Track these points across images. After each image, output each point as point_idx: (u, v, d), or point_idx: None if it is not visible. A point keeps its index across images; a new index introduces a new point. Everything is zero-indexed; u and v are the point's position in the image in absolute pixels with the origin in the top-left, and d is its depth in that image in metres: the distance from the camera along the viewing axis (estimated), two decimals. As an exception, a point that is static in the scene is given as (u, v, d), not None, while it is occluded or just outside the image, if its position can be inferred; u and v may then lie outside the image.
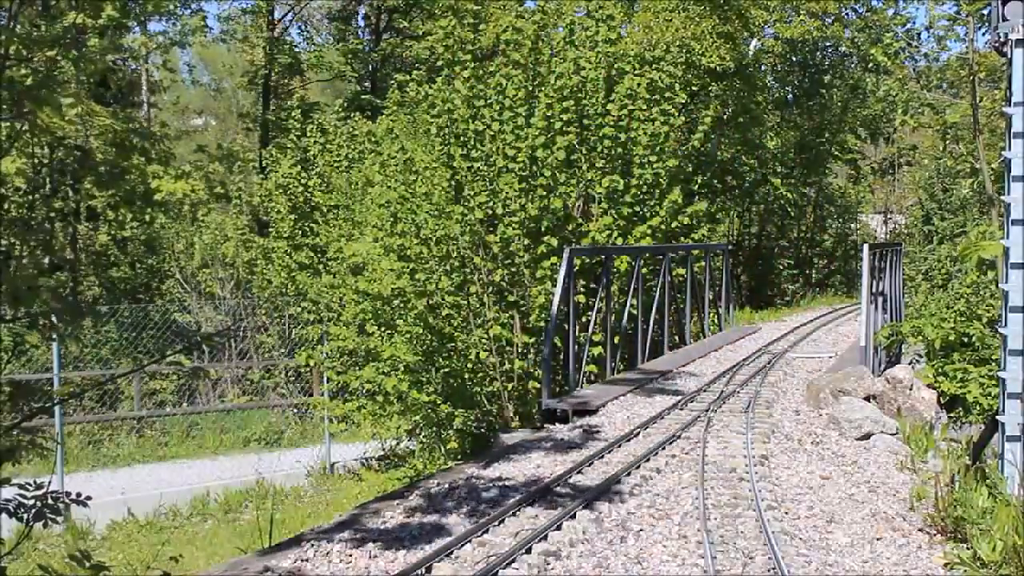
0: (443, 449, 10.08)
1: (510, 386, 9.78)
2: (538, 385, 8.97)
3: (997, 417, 5.50)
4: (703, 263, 12.80)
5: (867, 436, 6.30)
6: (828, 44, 24.12)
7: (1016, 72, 5.28)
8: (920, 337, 9.01)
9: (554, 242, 9.65)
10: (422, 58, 21.43)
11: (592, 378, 9.39)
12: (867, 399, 7.02)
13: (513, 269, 9.73)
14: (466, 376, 9.76)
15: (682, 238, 12.06)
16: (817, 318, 14.63)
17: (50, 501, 3.97)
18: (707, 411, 6.79)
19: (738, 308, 18.38)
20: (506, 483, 5.37)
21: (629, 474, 5.01)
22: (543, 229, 9.76)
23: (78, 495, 4.17)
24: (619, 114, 10.80)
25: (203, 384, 13.69)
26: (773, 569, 3.51)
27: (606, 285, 9.29)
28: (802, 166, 23.83)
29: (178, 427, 13.32)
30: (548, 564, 3.90)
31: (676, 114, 11.97)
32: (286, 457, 12.22)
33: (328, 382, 12.18)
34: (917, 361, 9.62)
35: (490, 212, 9.74)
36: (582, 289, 9.58)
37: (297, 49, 24.65)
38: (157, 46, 17.60)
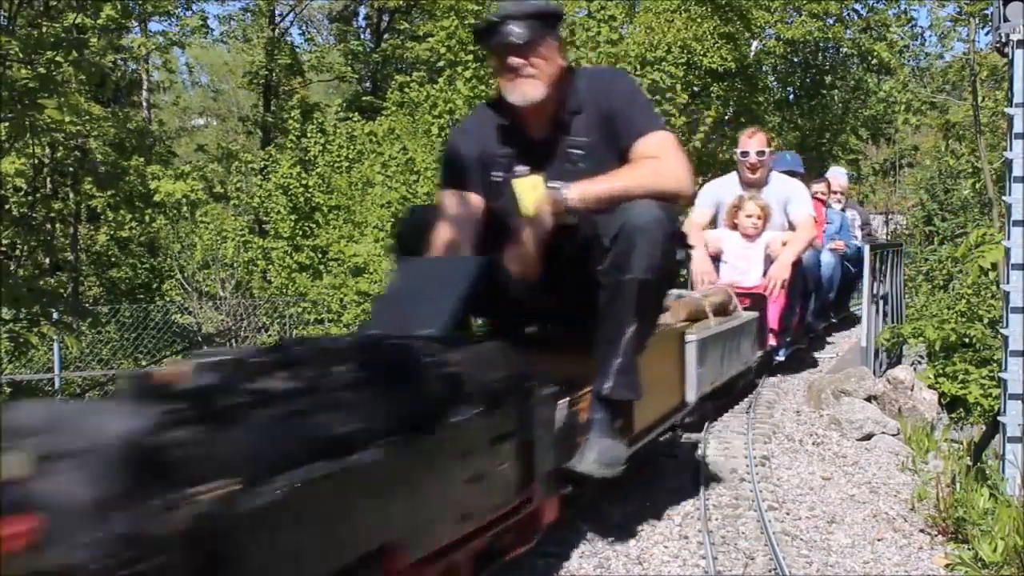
0: (444, 450, 10.09)
1: (511, 387, 9.76)
2: (539, 386, 8.94)
3: (998, 418, 5.50)
4: (704, 264, 12.76)
5: (868, 437, 6.29)
6: (829, 45, 24.13)
7: (1017, 73, 5.28)
8: (921, 338, 9.00)
9: (555, 243, 9.66)
10: (423, 59, 21.44)
11: (593, 379, 9.37)
12: (868, 400, 7.02)
13: (514, 269, 9.73)
14: (467, 377, 9.76)
15: (683, 238, 12.07)
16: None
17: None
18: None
19: (739, 309, 18.36)
20: (506, 484, 5.36)
21: (630, 474, 5.01)
22: (544, 229, 9.77)
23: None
24: (620, 114, 10.80)
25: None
26: (774, 569, 3.50)
27: (607, 286, 9.29)
28: (804, 166, 23.84)
29: (179, 427, 13.34)
30: (549, 564, 3.90)
31: (677, 114, 11.97)
32: (287, 457, 12.24)
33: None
34: (918, 362, 9.62)
35: (491, 213, 9.75)
36: (583, 290, 9.58)
37: (298, 50, 24.67)
38: (156, 47, 17.63)
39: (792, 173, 7.36)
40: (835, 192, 9.48)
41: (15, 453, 1.16)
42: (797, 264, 6.21)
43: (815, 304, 7.36)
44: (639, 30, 16.15)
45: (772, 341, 6.25)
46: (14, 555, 1.08)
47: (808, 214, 6.42)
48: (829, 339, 9.50)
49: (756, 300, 5.81)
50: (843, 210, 9.53)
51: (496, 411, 2.17)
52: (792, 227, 6.37)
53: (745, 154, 6.47)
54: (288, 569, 1.42)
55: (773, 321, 6.18)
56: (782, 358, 6.63)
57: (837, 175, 10.05)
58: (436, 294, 2.54)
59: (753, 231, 6.24)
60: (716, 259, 6.28)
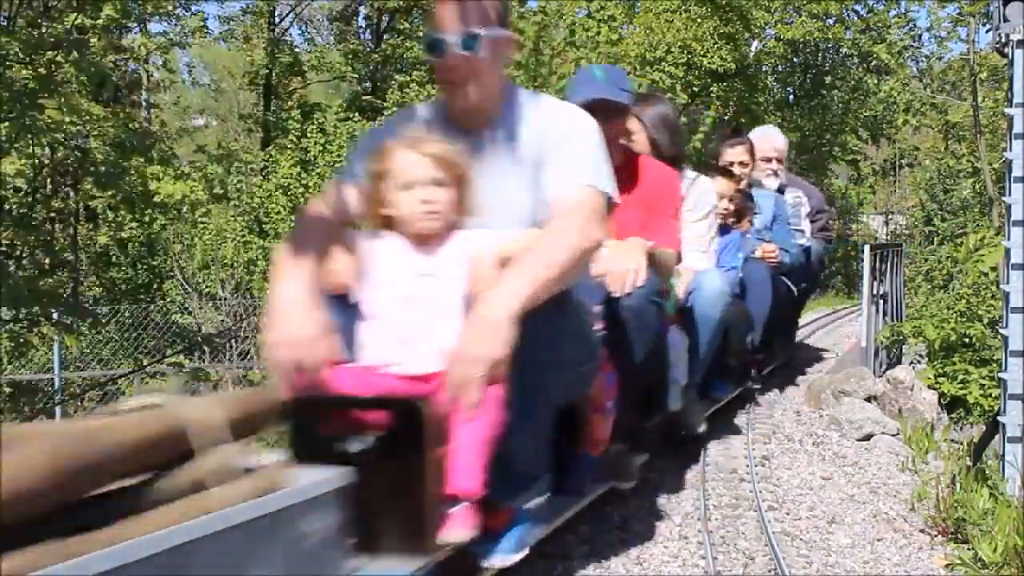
0: (444, 450, 10.08)
1: (511, 387, 9.74)
2: (539, 386, 8.85)
3: (998, 418, 5.50)
4: (704, 264, 12.71)
5: (868, 437, 6.30)
6: (829, 45, 24.17)
7: (1017, 73, 5.28)
8: (921, 338, 9.01)
9: (555, 243, 9.65)
10: (423, 59, 21.43)
11: (593, 379, 9.31)
12: (868, 400, 7.02)
13: (514, 270, 9.73)
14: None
15: (683, 239, 12.06)
16: (818, 319, 14.63)
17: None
18: (708, 411, 6.78)
19: (739, 309, 18.37)
20: (506, 484, 5.34)
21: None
22: (544, 230, 9.77)
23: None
24: (620, 115, 10.80)
25: (204, 385, 13.72)
26: (774, 569, 3.50)
27: (607, 286, 9.27)
28: (803, 167, 23.87)
29: (179, 428, 13.34)
30: (549, 564, 3.90)
31: (678, 115, 11.99)
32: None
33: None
34: (918, 362, 9.62)
35: (491, 213, 9.76)
36: (583, 290, 9.57)
37: (298, 49, 24.70)
38: (157, 47, 17.66)
39: (609, 108, 3.24)
40: (766, 161, 5.83)
41: None
42: (565, 306, 2.38)
43: (698, 371, 4.36)
44: (639, 30, 16.17)
45: (461, 527, 2.15)
46: None
47: (581, 186, 2.44)
48: (829, 339, 9.48)
49: (405, 418, 2.11)
50: (780, 190, 5.97)
51: None
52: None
53: (437, 46, 2.50)
54: None
55: (467, 470, 2.13)
56: (516, 553, 2.55)
57: (771, 136, 6.23)
58: None
59: (431, 226, 2.30)
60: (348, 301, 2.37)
